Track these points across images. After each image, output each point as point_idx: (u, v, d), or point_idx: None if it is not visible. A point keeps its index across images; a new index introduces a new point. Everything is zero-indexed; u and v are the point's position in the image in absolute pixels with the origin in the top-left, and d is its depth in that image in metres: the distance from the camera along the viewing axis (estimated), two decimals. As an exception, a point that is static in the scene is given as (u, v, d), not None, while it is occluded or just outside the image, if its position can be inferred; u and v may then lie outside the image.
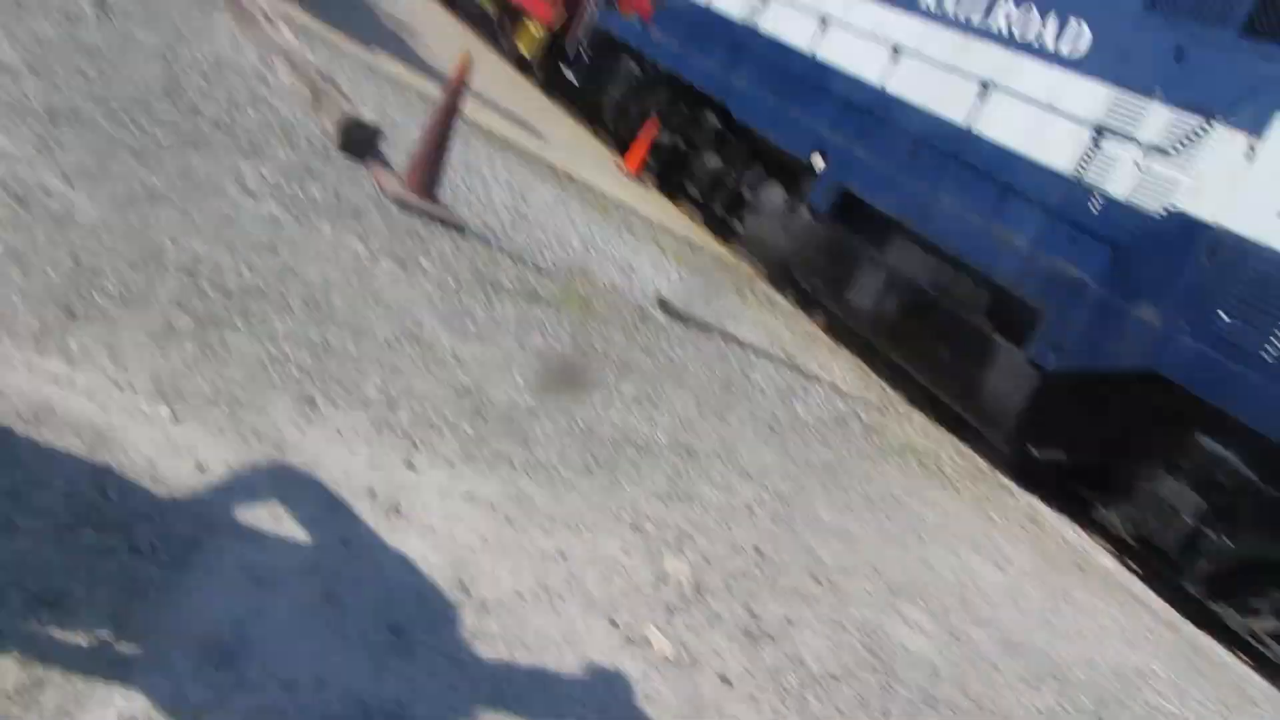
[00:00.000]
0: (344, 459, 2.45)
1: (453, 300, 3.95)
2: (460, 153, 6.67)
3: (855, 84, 8.36)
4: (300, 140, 4.66)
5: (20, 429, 1.87)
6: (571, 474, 3.13)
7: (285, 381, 2.60)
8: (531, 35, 13.00)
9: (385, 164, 5.15)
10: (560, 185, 8.12)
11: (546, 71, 13.23)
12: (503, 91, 11.26)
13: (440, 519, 2.47)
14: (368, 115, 5.18)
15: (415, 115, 6.73)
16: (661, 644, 2.45)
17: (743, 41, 9.89)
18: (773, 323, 7.85)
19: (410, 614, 2.08)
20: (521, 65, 13.81)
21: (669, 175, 10.60)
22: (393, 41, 9.75)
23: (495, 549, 2.49)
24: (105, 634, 1.60)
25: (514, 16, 13.89)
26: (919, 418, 6.87)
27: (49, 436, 1.90)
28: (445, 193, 5.32)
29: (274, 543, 2.02)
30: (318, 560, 2.05)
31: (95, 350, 2.22)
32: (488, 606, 2.26)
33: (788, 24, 9.43)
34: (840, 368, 7.26)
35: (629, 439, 3.68)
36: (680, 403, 4.42)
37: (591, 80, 11.91)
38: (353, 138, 4.97)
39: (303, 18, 7.57)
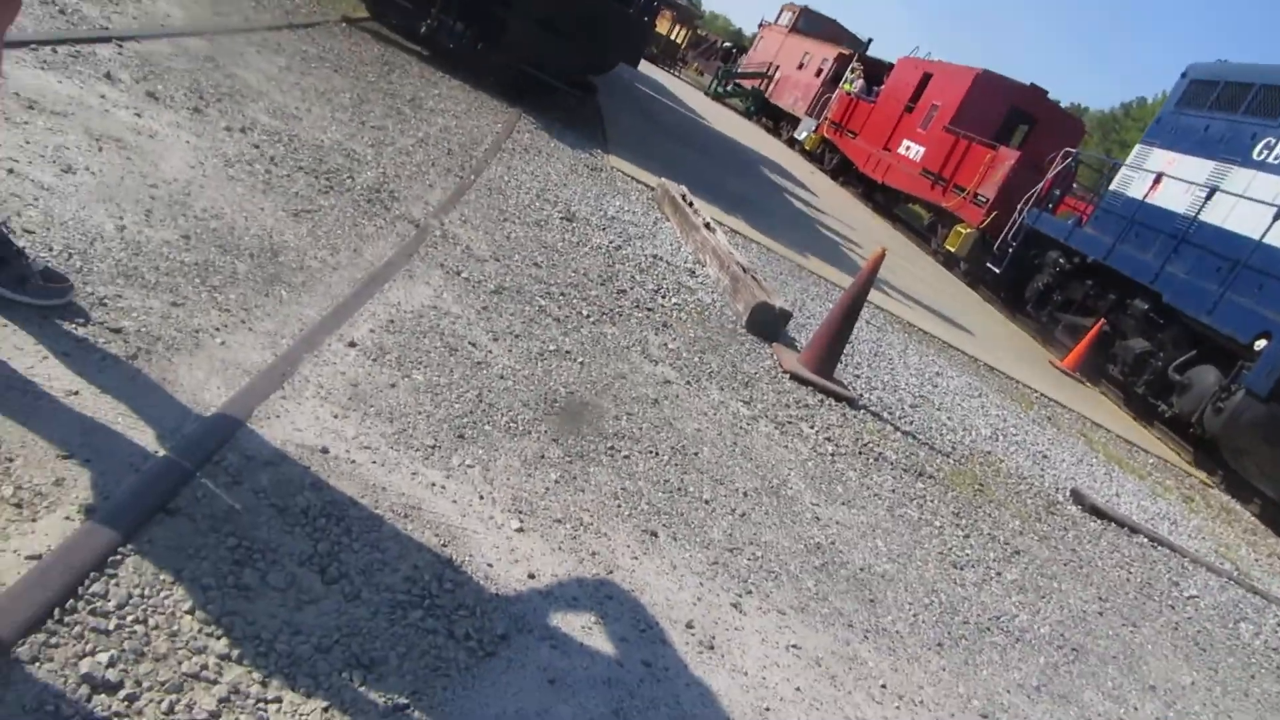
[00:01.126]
0: (671, 590, 2.41)
1: (826, 465, 3.84)
2: (871, 338, 6.64)
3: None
4: (711, 321, 4.94)
5: (389, 519, 2.10)
6: (919, 647, 2.80)
7: (633, 514, 2.67)
8: (960, 235, 14.23)
9: (789, 345, 5.27)
10: (977, 374, 7.69)
11: (972, 265, 14.12)
12: (928, 288, 11.15)
13: (756, 663, 2.31)
14: (780, 302, 5.37)
15: (829, 304, 6.86)
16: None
17: (1182, 232, 9.49)
18: (1227, 534, 6.58)
19: (696, 746, 1.94)
20: (949, 262, 15.01)
21: (1094, 361, 10.33)
22: (826, 246, 10.16)
23: (810, 704, 2.27)
24: (402, 701, 1.68)
25: (946, 221, 15.54)
26: None
27: (410, 529, 2.11)
28: (845, 373, 5.28)
29: (578, 651, 2.02)
30: (617, 676, 2.00)
31: (472, 467, 2.46)
32: (784, 757, 2.04)
33: (1237, 214, 9.03)
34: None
35: (1000, 624, 3.22)
36: (1076, 598, 3.81)
37: (1017, 272, 12.37)
38: (760, 319, 5.18)
39: (743, 227, 8.20)
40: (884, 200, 19.88)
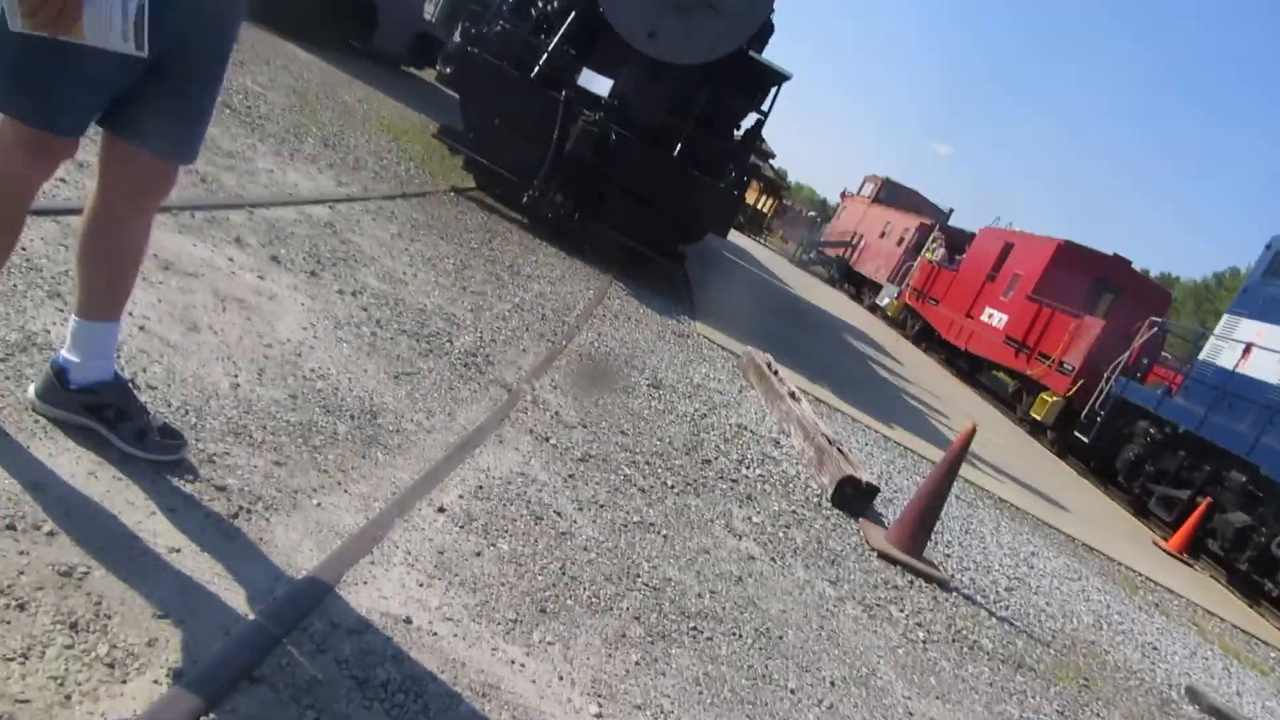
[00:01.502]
0: (754, 789, 2.26)
1: (918, 653, 3.63)
2: (962, 515, 6.41)
3: None
4: (796, 494, 4.85)
5: (468, 698, 2.04)
6: None
7: (715, 702, 2.54)
8: (1045, 403, 14.23)
9: (875, 520, 5.11)
10: (1076, 555, 7.32)
11: (1059, 434, 14.03)
12: (1016, 459, 10.81)
13: None
14: (866, 475, 5.25)
15: (917, 478, 6.68)
16: None
17: (1277, 403, 9.33)
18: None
19: None
20: (1035, 430, 14.92)
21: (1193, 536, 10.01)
22: (912, 416, 10.00)
23: None
24: None
25: (1031, 389, 15.49)
26: None
27: (488, 709, 2.04)
28: (935, 551, 5.08)
29: None
30: None
31: (552, 644, 2.40)
32: None
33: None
34: None
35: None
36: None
37: (1107, 442, 12.27)
38: (846, 493, 5.05)
39: (828, 396, 8.15)
40: (967, 366, 19.81)
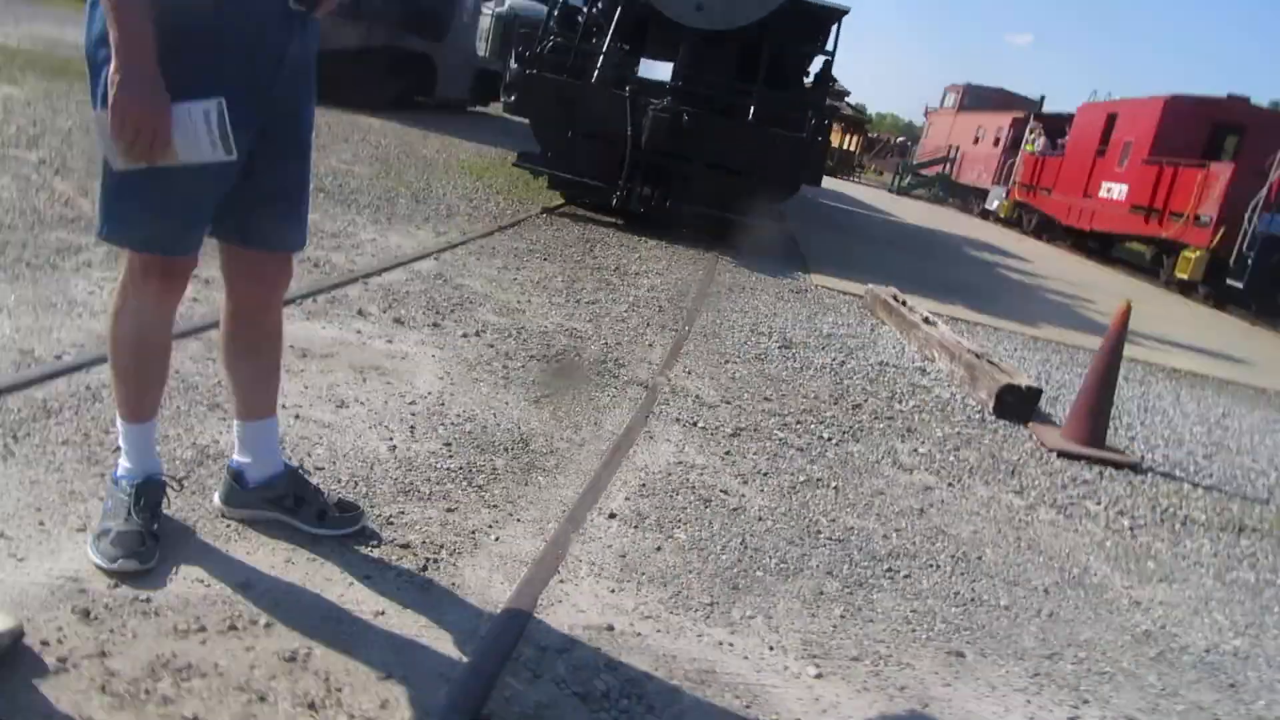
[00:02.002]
0: (997, 714, 2.17)
1: (1127, 541, 3.43)
2: (1137, 395, 6.06)
3: None
4: (956, 416, 4.67)
5: (687, 688, 2.03)
6: (1306, 735, 2.36)
7: (931, 636, 2.46)
8: (1189, 260, 13.70)
9: (1046, 422, 4.87)
10: (1272, 405, 6.81)
11: (1212, 288, 13.55)
12: (1176, 325, 10.15)
13: (1115, 786, 2.01)
14: (1024, 380, 5.01)
15: (1078, 370, 6.35)
16: None
17: None
18: None
19: None
20: (1184, 289, 14.37)
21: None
22: (1055, 310, 9.52)
23: (1194, 827, 1.93)
24: None
25: (1171, 250, 14.88)
26: None
27: (710, 695, 2.03)
28: (1119, 438, 4.81)
29: (913, 803, 1.83)
30: (962, 825, 1.80)
31: (754, 618, 2.37)
32: None
33: None
34: None
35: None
36: None
37: (1262, 281, 11.97)
38: (1008, 402, 4.84)
39: (964, 313, 7.85)
40: (1097, 246, 18.84)
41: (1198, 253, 13.58)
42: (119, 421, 2.14)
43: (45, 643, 1.76)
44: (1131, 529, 3.57)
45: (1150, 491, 4.09)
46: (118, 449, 2.19)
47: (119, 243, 1.98)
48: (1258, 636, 2.86)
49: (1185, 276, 13.84)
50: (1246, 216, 12.33)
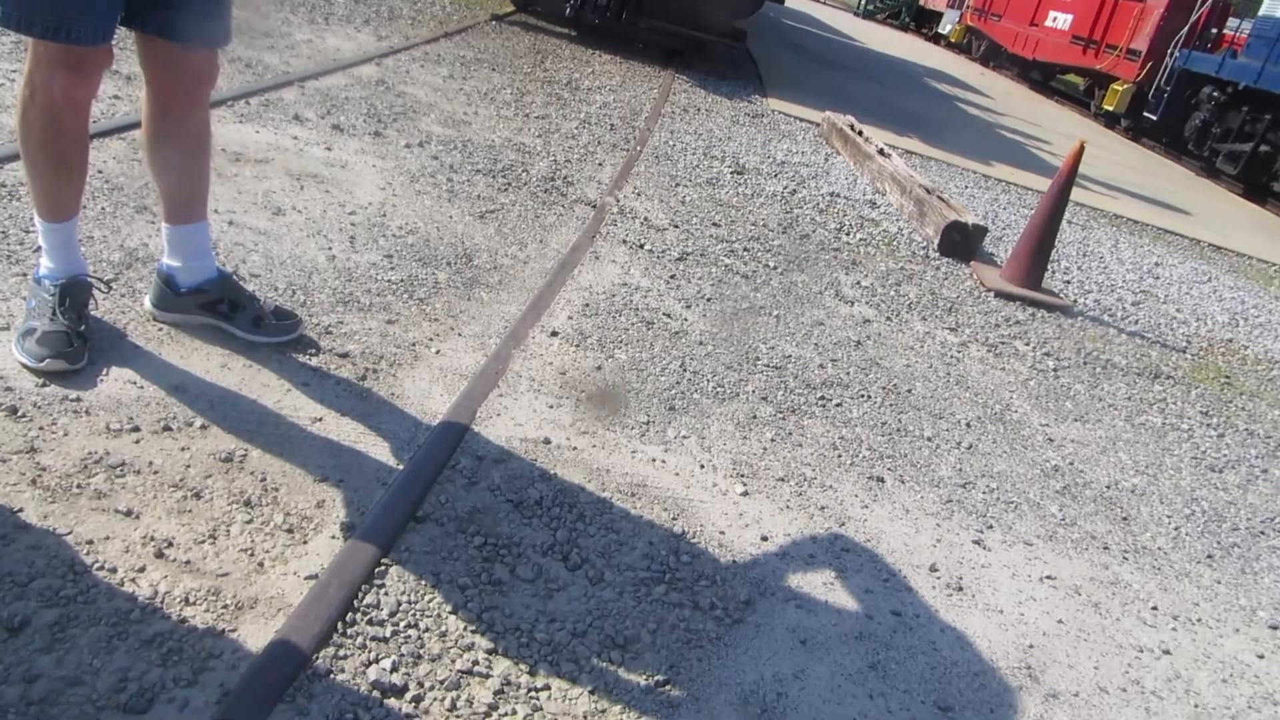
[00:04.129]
0: (907, 535, 2.31)
1: (1050, 382, 3.57)
2: (1078, 239, 6.15)
3: None
4: (901, 251, 4.71)
5: (618, 501, 2.11)
6: (1187, 561, 2.56)
7: (855, 462, 2.58)
8: (1116, 92, 14.16)
9: (988, 261, 4.95)
10: (1203, 257, 6.99)
11: (1131, 120, 14.20)
12: (1128, 174, 10.23)
13: (1010, 600, 2.18)
14: (971, 218, 5.04)
15: (1025, 211, 6.40)
16: (1299, 771, 1.82)
17: None
18: None
19: (962, 693, 1.84)
20: (1109, 121, 15.02)
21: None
22: (1009, 149, 9.48)
23: (1075, 636, 2.12)
24: (661, 677, 1.69)
25: (1102, 83, 15.39)
26: None
27: (640, 507, 2.12)
28: (1055, 281, 4.92)
29: (824, 609, 1.97)
30: (867, 630, 1.94)
31: (688, 438, 2.45)
32: (1058, 696, 1.91)
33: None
34: None
35: (1275, 525, 2.90)
36: (1363, 484, 3.38)
37: (1174, 116, 12.46)
38: (953, 239, 4.88)
39: (919, 146, 7.78)
40: (1039, 76, 19.09)
41: (1125, 85, 13.85)
42: (38, 220, 2.05)
43: (-27, 437, 1.75)
44: (1055, 370, 3.71)
45: (1077, 335, 4.23)
46: (38, 249, 2.10)
47: (19, 28, 1.82)
48: (1155, 476, 3.05)
49: (1111, 108, 14.15)
50: (1169, 51, 12.70)
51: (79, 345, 2.01)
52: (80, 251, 2.15)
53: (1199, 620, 2.31)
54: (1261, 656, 2.24)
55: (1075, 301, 4.71)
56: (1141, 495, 2.87)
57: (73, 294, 2.05)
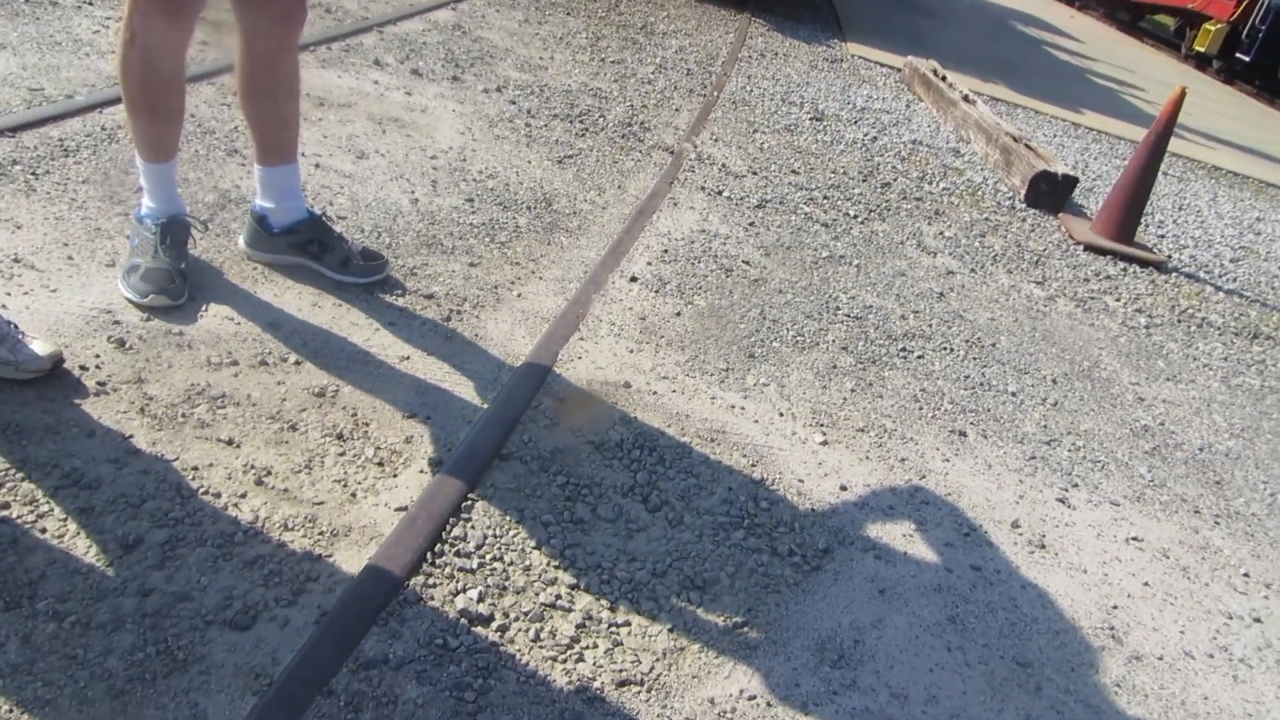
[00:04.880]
0: (989, 490, 2.29)
1: (1141, 339, 3.47)
2: (1174, 192, 5.92)
3: None
4: (986, 201, 4.59)
5: (698, 446, 2.13)
6: (1282, 526, 2.49)
7: (937, 415, 2.55)
8: (1209, 32, 13.48)
9: (1077, 213, 4.79)
10: (1309, 213, 6.65)
11: (1225, 62, 13.46)
12: (1228, 123, 9.75)
13: (1094, 560, 2.15)
14: (1061, 168, 4.88)
15: (1118, 162, 6.17)
16: (1396, 740, 1.77)
17: None
18: None
19: (1042, 651, 1.84)
20: (1200, 64, 14.26)
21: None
22: (1101, 96, 9.11)
23: (1162, 600, 2.08)
24: (739, 619, 1.72)
25: (1193, 22, 14.63)
26: None
27: (719, 453, 2.14)
28: (1149, 235, 4.75)
29: (903, 560, 1.97)
30: (946, 583, 1.94)
31: (767, 386, 2.45)
32: (1142, 659, 1.89)
33: None
34: None
35: (1379, 492, 2.80)
36: None
37: (1266, 54, 11.88)
38: (1041, 190, 4.74)
39: (1005, 93, 7.52)
40: (1127, 18, 18.27)
41: (1218, 25, 13.14)
42: (139, 162, 2.12)
43: (84, 368, 1.84)
44: (1147, 327, 3.60)
45: (1171, 291, 4.09)
46: (139, 189, 2.18)
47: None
48: (1251, 440, 2.96)
49: (1203, 49, 13.45)
50: (1263, -12, 11.98)
51: (180, 282, 2.09)
52: (178, 192, 2.22)
53: (1293, 586, 2.26)
54: (1359, 625, 2.18)
55: (1170, 257, 4.54)
56: (1236, 459, 2.79)
57: (173, 232, 2.13)
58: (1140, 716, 1.75)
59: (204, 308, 2.11)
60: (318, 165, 2.91)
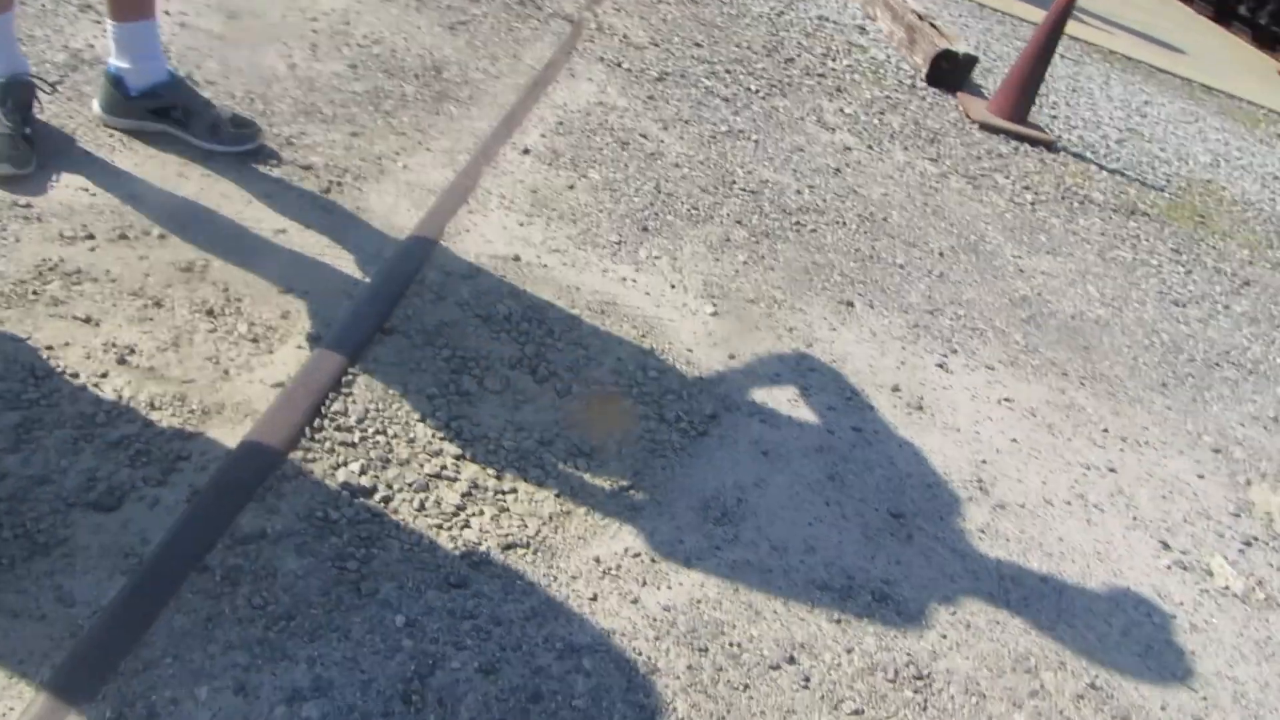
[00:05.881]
0: (872, 357, 2.34)
1: (1026, 215, 3.54)
2: (1068, 74, 5.97)
3: None
4: (888, 79, 4.55)
5: (587, 318, 2.11)
6: (1140, 388, 2.62)
7: (826, 286, 2.57)
8: None
9: (975, 93, 4.80)
10: (1193, 98, 6.82)
11: None
12: (1129, 10, 9.84)
13: (968, 419, 2.23)
14: (963, 47, 4.85)
15: (1019, 44, 6.18)
16: (1227, 574, 1.92)
17: None
18: None
19: (915, 502, 1.91)
20: None
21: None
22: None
23: (1027, 454, 2.18)
24: (625, 483, 1.73)
25: None
26: None
27: (609, 325, 2.11)
28: (1042, 115, 4.80)
29: (787, 423, 2.00)
30: (827, 443, 1.99)
31: (659, 258, 2.42)
32: (1006, 507, 1.99)
33: None
34: None
35: (1229, 358, 2.96)
36: (1322, 320, 3.43)
37: None
38: (942, 69, 4.71)
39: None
40: None
41: None
42: (-29, 11, 1.91)
43: (-78, 239, 1.69)
44: (1033, 204, 3.67)
45: (1059, 170, 4.17)
46: (-26, 42, 1.97)
47: None
48: (1119, 309, 3.07)
49: None
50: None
51: (25, 149, 1.92)
52: (20, 49, 2.02)
53: (1146, 443, 2.38)
54: (1201, 477, 2.33)
55: (1060, 137, 4.61)
56: (1105, 326, 2.90)
57: (15, 94, 1.94)
58: (1001, 557, 1.85)
59: (55, 177, 1.95)
60: (183, 25, 2.69)
